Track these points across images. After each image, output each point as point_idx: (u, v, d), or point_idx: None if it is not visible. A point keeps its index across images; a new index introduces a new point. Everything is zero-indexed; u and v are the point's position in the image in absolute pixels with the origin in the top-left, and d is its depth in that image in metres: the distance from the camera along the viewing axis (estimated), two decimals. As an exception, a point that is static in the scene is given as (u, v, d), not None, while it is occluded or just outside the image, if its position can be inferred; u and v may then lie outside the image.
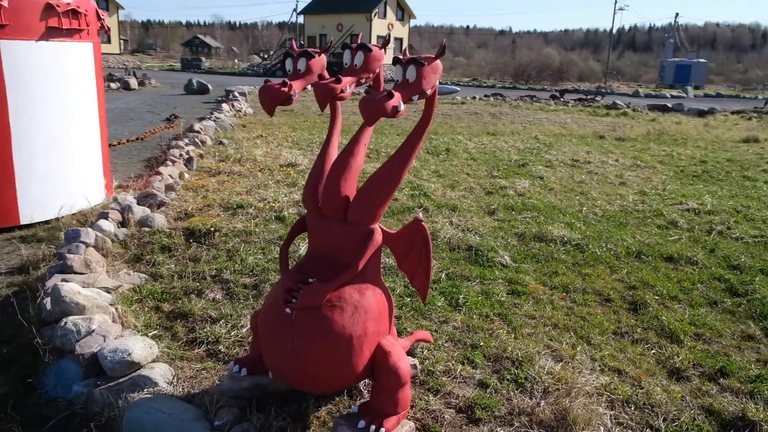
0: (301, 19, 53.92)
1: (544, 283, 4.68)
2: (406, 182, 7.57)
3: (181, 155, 8.24)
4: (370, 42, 2.86)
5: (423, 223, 2.75)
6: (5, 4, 5.13)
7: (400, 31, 52.60)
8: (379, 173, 2.71)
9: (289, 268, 2.78)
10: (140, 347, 2.90)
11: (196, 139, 9.60)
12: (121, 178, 7.39)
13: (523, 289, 4.49)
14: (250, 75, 43.13)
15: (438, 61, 2.54)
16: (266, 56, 56.40)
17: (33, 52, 5.43)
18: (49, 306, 3.44)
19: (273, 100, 2.50)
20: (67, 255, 4.08)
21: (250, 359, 2.97)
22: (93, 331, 3.06)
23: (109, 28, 6.37)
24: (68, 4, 5.65)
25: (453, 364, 3.33)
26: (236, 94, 18.25)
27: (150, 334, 3.49)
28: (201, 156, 8.72)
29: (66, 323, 3.08)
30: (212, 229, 5.21)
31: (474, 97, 25.30)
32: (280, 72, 43.99)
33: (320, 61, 2.70)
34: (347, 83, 2.63)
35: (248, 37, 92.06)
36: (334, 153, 2.88)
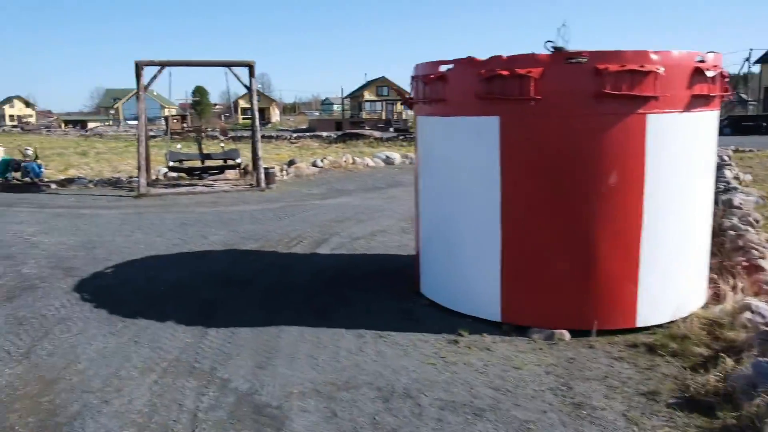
0: (755, 69, 47.15)
1: None
2: None
3: (759, 243, 6.59)
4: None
5: None
6: (661, 71, 4.39)
7: None
8: None
9: None
10: None
11: (749, 218, 7.83)
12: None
13: None
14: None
15: None
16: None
17: (675, 126, 4.58)
18: None
19: None
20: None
21: None
22: None
23: (731, 92, 5.21)
24: (716, 66, 4.68)
25: None
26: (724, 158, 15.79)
27: None
28: (773, 243, 6.90)
29: None
30: None
31: None
32: (728, 130, 38.78)
33: None
34: None
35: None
36: None
